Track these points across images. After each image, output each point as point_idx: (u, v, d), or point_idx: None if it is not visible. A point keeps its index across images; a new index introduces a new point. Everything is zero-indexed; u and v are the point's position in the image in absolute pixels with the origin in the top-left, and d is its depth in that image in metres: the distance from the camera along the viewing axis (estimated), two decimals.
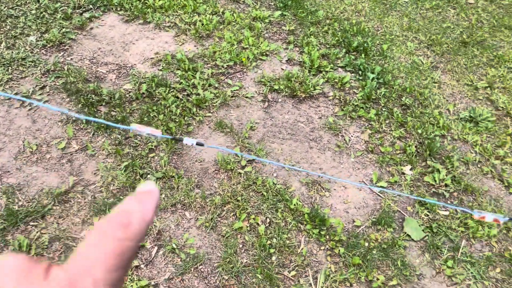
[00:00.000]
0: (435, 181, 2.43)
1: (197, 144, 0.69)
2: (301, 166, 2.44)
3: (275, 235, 2.07)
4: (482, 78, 3.20)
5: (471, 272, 2.06)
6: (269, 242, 2.03)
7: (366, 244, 2.11)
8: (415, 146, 2.62)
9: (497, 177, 2.52)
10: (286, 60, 3.12)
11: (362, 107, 2.82)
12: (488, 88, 3.11)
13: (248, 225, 2.10)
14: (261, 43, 3.17)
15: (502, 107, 2.96)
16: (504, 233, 2.24)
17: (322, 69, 3.05)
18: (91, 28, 3.16)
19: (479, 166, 2.57)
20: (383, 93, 2.91)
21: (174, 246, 1.97)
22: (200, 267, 1.92)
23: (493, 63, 3.34)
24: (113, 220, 0.27)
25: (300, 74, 2.97)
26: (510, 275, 2.07)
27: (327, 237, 2.11)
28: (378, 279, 1.97)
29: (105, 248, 0.26)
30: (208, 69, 2.92)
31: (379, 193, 2.37)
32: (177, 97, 2.66)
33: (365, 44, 3.27)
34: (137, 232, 0.27)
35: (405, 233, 2.18)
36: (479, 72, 3.25)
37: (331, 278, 1.95)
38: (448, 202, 2.37)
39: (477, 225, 2.23)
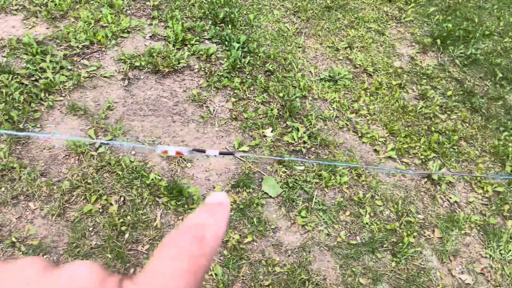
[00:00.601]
0: (294, 139, 2.53)
1: None
2: (163, 140, 2.39)
3: (129, 213, 2.02)
4: (343, 40, 3.37)
5: (323, 219, 2.19)
6: (121, 220, 1.97)
7: None
8: (277, 109, 2.69)
9: (352, 129, 2.69)
10: (150, 36, 3.01)
11: (227, 77, 2.82)
12: (348, 48, 3.29)
13: (99, 206, 2.01)
14: (122, 20, 3.02)
15: (360, 65, 3.16)
16: (355, 179, 2.41)
17: (187, 43, 2.99)
18: None
19: (336, 121, 2.72)
20: (248, 61, 2.94)
21: (14, 239, 1.83)
22: (44, 256, 1.81)
23: (354, 24, 3.53)
24: (187, 233, 0.25)
25: (163, 48, 2.88)
26: (358, 216, 2.24)
27: (185, 206, 2.10)
28: (233, 238, 2.01)
29: (180, 265, 0.23)
30: (61, 51, 2.72)
31: (240, 158, 2.41)
32: (22, 84, 2.45)
33: (232, 15, 3.26)
34: (211, 248, 0.25)
35: (263, 191, 2.24)
36: (341, 34, 3.42)
37: None
38: (306, 157, 2.49)
39: (330, 175, 2.37)
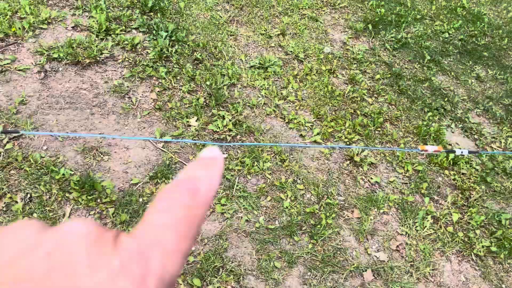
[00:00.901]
0: (219, 127, 2.49)
1: None
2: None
3: (35, 210, 1.92)
4: (276, 27, 3.34)
5: (243, 205, 2.17)
6: (26, 218, 1.88)
7: (141, 199, 2.09)
8: (204, 98, 2.64)
9: (279, 116, 2.67)
10: (72, 27, 2.88)
11: (152, 67, 2.74)
12: (281, 35, 3.27)
13: (3, 205, 1.91)
14: (42, 11, 2.87)
15: (291, 51, 3.14)
16: (278, 165, 2.40)
17: (111, 33, 2.88)
18: None
19: (263, 108, 2.70)
20: (175, 50, 2.87)
21: None
22: None
23: (288, 11, 3.51)
24: (181, 186, 0.25)
25: (85, 39, 2.76)
26: (278, 201, 2.23)
27: (98, 201, 2.03)
28: None
29: (175, 215, 0.23)
30: None
31: (162, 148, 2.35)
32: None
33: (161, 3, 3.17)
34: (204, 199, 0.25)
35: None
36: (274, 22, 3.39)
37: None
38: (231, 145, 2.45)
39: (253, 161, 2.35)
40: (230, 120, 2.53)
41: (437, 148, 0.52)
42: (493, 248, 2.15)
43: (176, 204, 0.24)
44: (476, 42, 3.57)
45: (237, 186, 2.24)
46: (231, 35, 3.17)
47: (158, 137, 2.38)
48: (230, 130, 2.50)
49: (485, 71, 3.32)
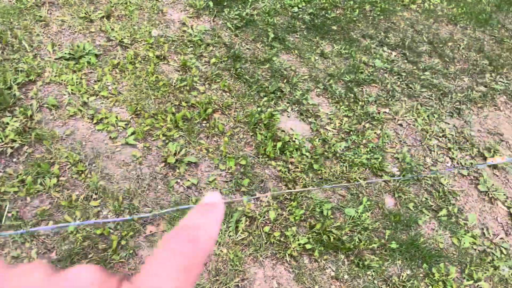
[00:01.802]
0: None
1: None
2: None
3: None
4: (100, 8, 2.75)
5: (13, 237, 1.68)
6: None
7: None
8: None
9: (87, 116, 2.16)
10: None
11: None
12: (105, 18, 2.70)
13: None
14: None
15: (115, 37, 2.59)
16: (74, 178, 1.92)
17: None
18: None
19: (66, 108, 2.17)
20: None
21: None
22: None
23: None
24: (180, 235, 0.25)
25: None
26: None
27: None
28: None
29: (174, 265, 0.23)
30: None
31: None
32: None
33: None
34: (204, 248, 0.25)
35: None
36: (100, 2, 2.80)
37: None
38: (15, 159, 1.92)
39: (34, 178, 1.84)
40: (14, 129, 1.98)
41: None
42: (308, 246, 1.90)
43: (177, 253, 0.24)
44: (326, 15, 3.27)
45: (8, 212, 1.73)
46: (40, 21, 2.54)
47: None
48: (13, 141, 1.95)
49: (331, 46, 3.04)
